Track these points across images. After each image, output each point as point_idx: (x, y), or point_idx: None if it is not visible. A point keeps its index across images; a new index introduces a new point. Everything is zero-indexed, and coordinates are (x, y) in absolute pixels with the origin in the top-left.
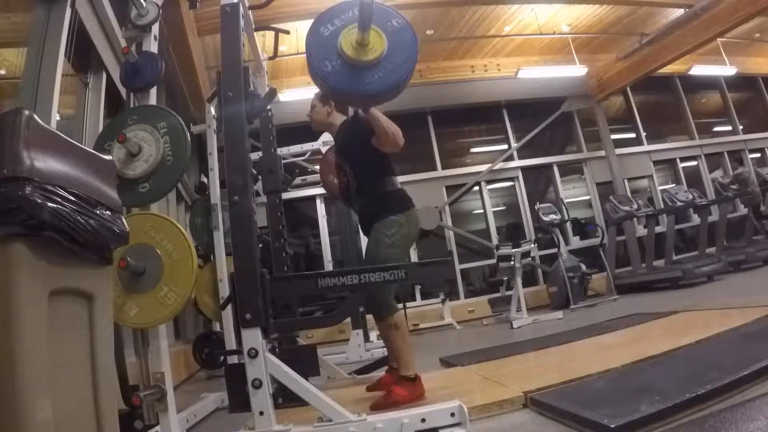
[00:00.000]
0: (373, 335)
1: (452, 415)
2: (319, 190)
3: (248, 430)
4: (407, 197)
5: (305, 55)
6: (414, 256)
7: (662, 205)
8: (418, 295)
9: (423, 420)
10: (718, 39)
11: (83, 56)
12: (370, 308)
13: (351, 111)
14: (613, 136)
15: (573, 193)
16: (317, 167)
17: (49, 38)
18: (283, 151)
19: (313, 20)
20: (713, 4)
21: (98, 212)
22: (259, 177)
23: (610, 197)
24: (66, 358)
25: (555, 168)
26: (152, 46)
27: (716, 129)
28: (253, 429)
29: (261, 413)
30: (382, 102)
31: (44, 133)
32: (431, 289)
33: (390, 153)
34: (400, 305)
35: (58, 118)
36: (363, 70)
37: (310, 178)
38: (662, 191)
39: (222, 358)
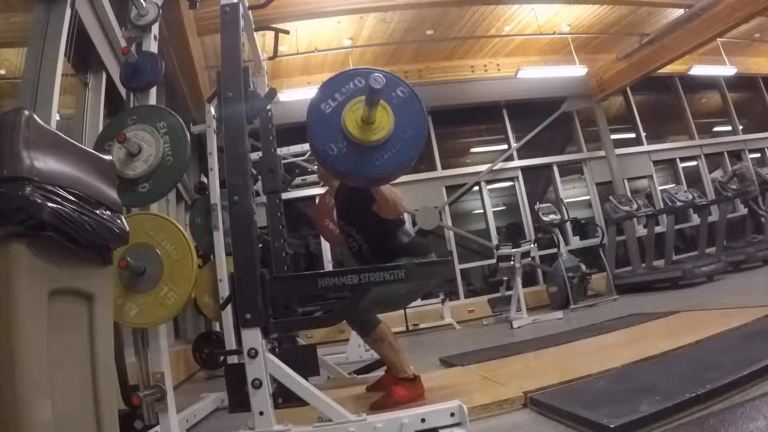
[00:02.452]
0: None
1: (452, 415)
2: (320, 190)
3: (248, 430)
4: (425, 245)
5: (307, 134)
6: None
7: (662, 205)
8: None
9: (423, 420)
10: (718, 39)
11: (83, 56)
12: (353, 326)
13: None
14: (613, 136)
15: (573, 193)
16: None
17: (49, 38)
18: (283, 151)
19: (313, 94)
20: (713, 4)
21: (98, 212)
22: (259, 177)
23: (610, 197)
24: (66, 358)
25: (555, 168)
26: (152, 46)
27: (716, 129)
28: (253, 429)
29: (261, 413)
30: (392, 181)
31: (44, 133)
32: (431, 289)
33: None
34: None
35: (58, 118)
36: (371, 152)
37: (310, 178)
38: (662, 191)
39: (222, 358)
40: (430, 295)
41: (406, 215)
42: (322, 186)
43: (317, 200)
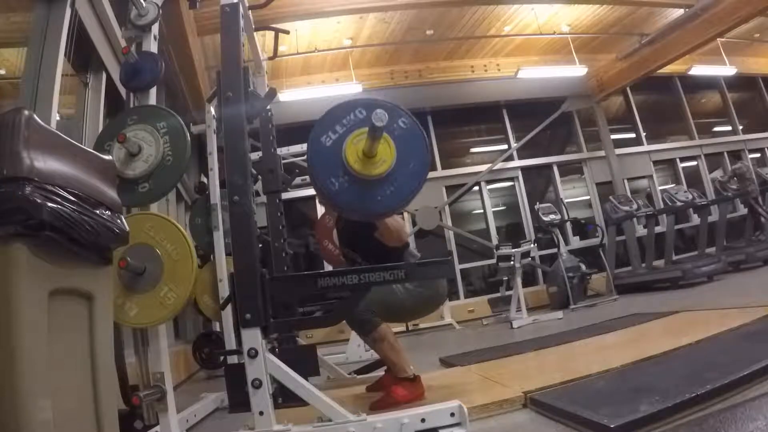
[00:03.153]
0: None
1: (452, 415)
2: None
3: (248, 430)
4: None
5: (307, 168)
6: None
7: (662, 205)
8: None
9: (423, 420)
10: (718, 39)
11: (83, 56)
12: (353, 327)
13: None
14: (613, 136)
15: (573, 193)
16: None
17: (49, 38)
18: (283, 151)
19: (312, 127)
20: (713, 4)
21: (98, 212)
22: (259, 177)
23: (610, 197)
24: (66, 358)
25: (555, 168)
26: (152, 46)
27: (716, 129)
28: (253, 429)
29: (261, 413)
30: (394, 214)
31: (44, 133)
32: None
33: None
34: None
35: (58, 118)
36: (373, 186)
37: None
38: (662, 191)
39: (222, 358)
40: None
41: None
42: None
43: (318, 220)
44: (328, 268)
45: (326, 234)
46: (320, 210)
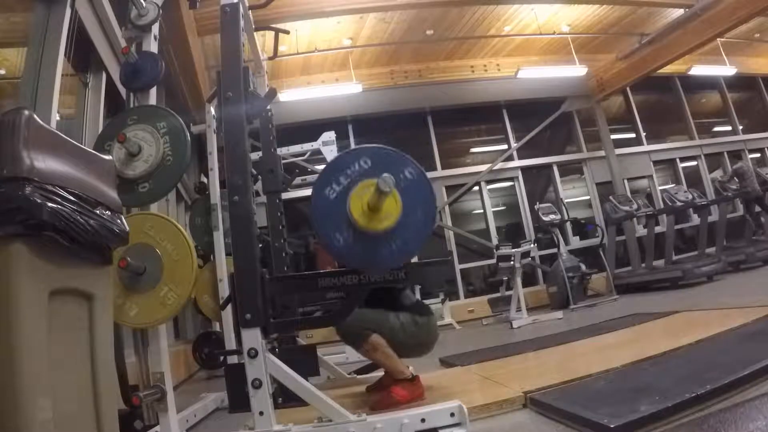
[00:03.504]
0: None
1: (452, 415)
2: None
3: (248, 430)
4: (427, 306)
5: (311, 222)
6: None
7: (662, 205)
8: (418, 295)
9: (423, 420)
10: (718, 39)
11: (83, 56)
12: (346, 341)
13: None
14: (613, 136)
15: (573, 193)
16: (317, 167)
17: (49, 38)
18: (283, 151)
19: (315, 179)
20: (713, 4)
21: (98, 212)
22: (259, 177)
23: (610, 197)
24: (66, 358)
25: (555, 168)
26: (152, 46)
27: (716, 129)
28: (253, 429)
29: (261, 413)
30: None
31: (44, 133)
32: (431, 289)
33: None
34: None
35: (58, 118)
36: (378, 241)
37: (310, 178)
38: (662, 191)
39: (222, 358)
40: (430, 295)
41: None
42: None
43: (319, 251)
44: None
45: (328, 261)
46: None
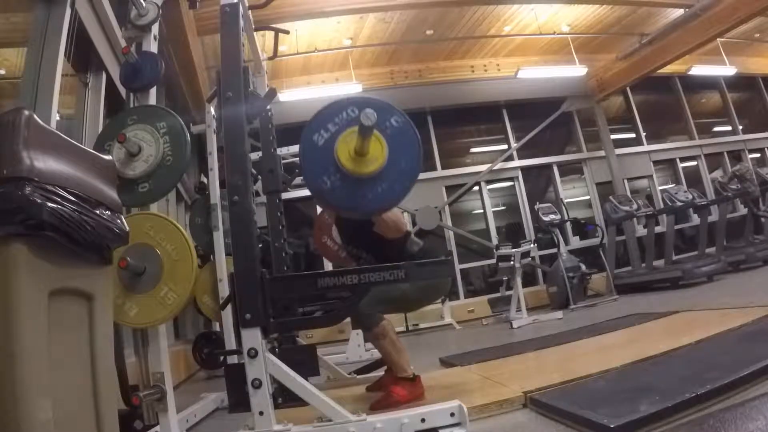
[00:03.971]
0: None
1: (452, 415)
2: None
3: (248, 430)
4: (435, 249)
5: (299, 167)
6: None
7: (662, 205)
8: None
9: (423, 420)
10: (718, 39)
11: (83, 56)
12: (356, 322)
13: None
14: (613, 136)
15: (573, 193)
16: None
17: (49, 38)
18: (283, 151)
19: (305, 126)
20: (713, 4)
21: (98, 212)
22: (259, 177)
23: (610, 197)
24: (66, 358)
25: (555, 168)
26: (152, 46)
27: (716, 129)
28: (253, 429)
29: (261, 413)
30: (386, 212)
31: (44, 133)
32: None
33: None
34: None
35: (58, 118)
36: (365, 184)
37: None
38: (662, 191)
39: (222, 358)
40: None
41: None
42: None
43: (317, 217)
44: (328, 266)
45: (325, 230)
46: (320, 209)
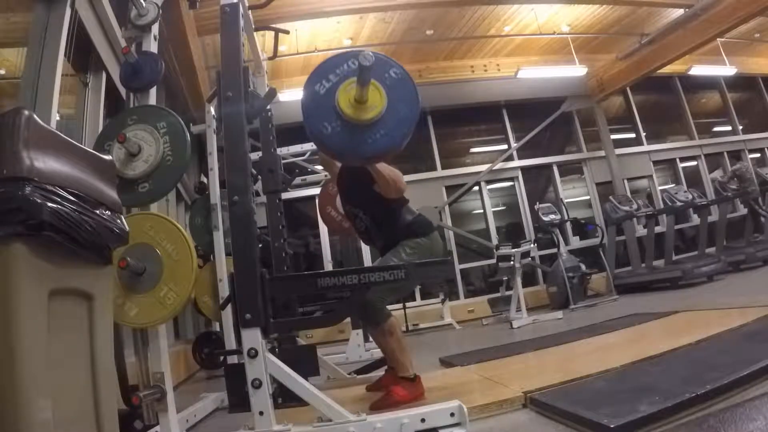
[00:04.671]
0: None
1: (452, 415)
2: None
3: (248, 430)
4: (428, 222)
5: (301, 115)
6: None
7: (662, 205)
8: (418, 295)
9: (423, 420)
10: (718, 39)
11: (83, 56)
12: (362, 317)
13: None
14: (613, 136)
15: (573, 193)
16: (317, 167)
17: (49, 38)
18: (283, 151)
19: (307, 77)
20: (713, 4)
21: (98, 212)
22: (259, 177)
23: (610, 197)
24: (66, 358)
25: (555, 168)
26: (152, 46)
27: (716, 129)
28: (253, 429)
29: (261, 413)
30: (386, 159)
31: (44, 133)
32: (431, 289)
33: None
34: (399, 306)
35: (58, 118)
36: (364, 130)
37: (310, 178)
38: (662, 191)
39: (222, 358)
40: (430, 295)
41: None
42: (324, 174)
43: (320, 189)
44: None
45: (329, 201)
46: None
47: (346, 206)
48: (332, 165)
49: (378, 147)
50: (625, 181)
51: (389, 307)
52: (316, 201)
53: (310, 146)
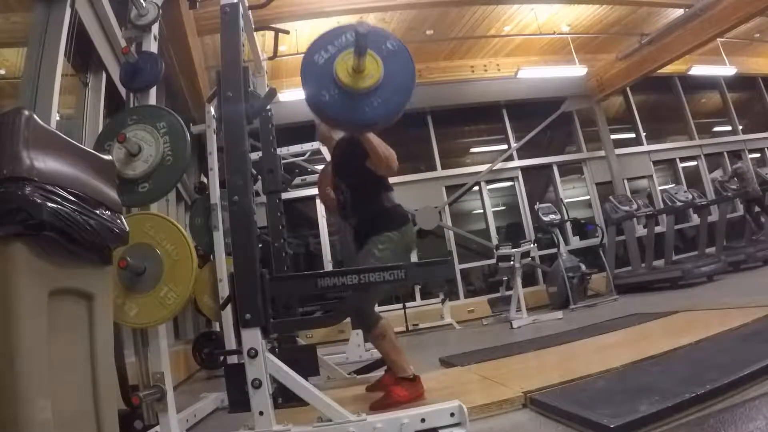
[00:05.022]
0: None
1: (452, 415)
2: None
3: (248, 430)
4: (403, 214)
5: (300, 84)
6: (414, 256)
7: (662, 205)
8: (417, 295)
9: (423, 420)
10: (718, 39)
11: (83, 56)
12: (356, 323)
13: None
14: (613, 136)
15: (573, 193)
16: (317, 167)
17: (49, 38)
18: (283, 151)
19: (307, 48)
20: (713, 4)
21: (98, 212)
22: (259, 177)
23: (610, 197)
24: (66, 358)
25: (555, 168)
26: (152, 46)
27: (716, 129)
28: (253, 429)
29: (261, 413)
30: (383, 128)
31: (44, 133)
32: (431, 289)
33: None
34: (399, 306)
35: (58, 118)
36: (361, 98)
37: (309, 178)
38: (662, 191)
39: (222, 358)
40: (430, 295)
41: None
42: (323, 146)
43: (321, 170)
44: (328, 266)
45: (328, 182)
46: (320, 210)
47: (334, 179)
48: (330, 140)
49: (374, 114)
50: (625, 181)
51: (390, 307)
52: (318, 182)
53: (309, 146)
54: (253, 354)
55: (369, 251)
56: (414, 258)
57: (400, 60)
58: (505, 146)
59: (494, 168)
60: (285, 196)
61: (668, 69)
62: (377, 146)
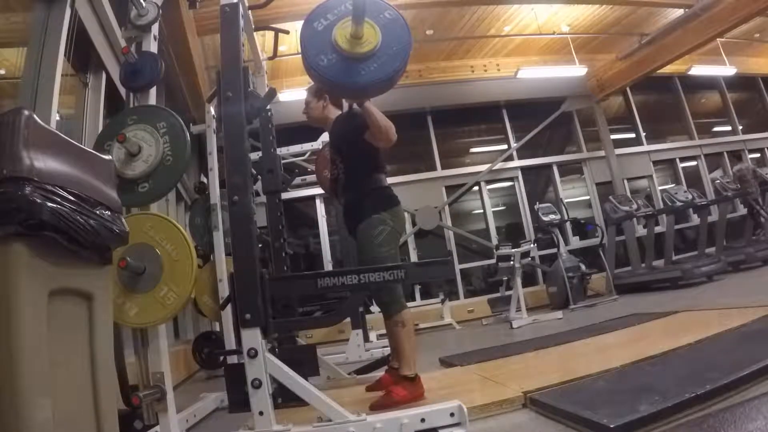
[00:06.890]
0: (373, 335)
1: (452, 415)
2: (319, 190)
3: (248, 430)
4: (392, 195)
5: (300, 50)
6: (414, 256)
7: (662, 205)
8: (417, 295)
9: (422, 420)
10: (718, 39)
11: (83, 56)
12: (380, 304)
13: (346, 106)
14: (613, 136)
15: (573, 193)
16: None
17: (49, 38)
18: (282, 151)
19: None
20: (713, 4)
21: (98, 212)
22: (259, 177)
23: (610, 197)
24: (66, 358)
25: (555, 168)
26: (152, 46)
27: (716, 129)
28: (253, 429)
29: (260, 413)
30: (378, 93)
31: (44, 133)
32: (431, 289)
33: (384, 150)
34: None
35: (57, 118)
36: (359, 63)
37: (309, 178)
38: (662, 191)
39: (222, 358)
40: (430, 295)
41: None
42: (316, 127)
43: (319, 152)
44: (328, 266)
45: (326, 164)
46: (320, 210)
47: (331, 150)
48: (326, 120)
49: (371, 78)
50: (625, 181)
51: None
52: (315, 165)
53: (309, 146)
54: (253, 354)
55: (369, 241)
56: (414, 257)
57: (397, 27)
58: (505, 146)
59: (494, 168)
60: (285, 196)
61: (668, 69)
62: (377, 116)
